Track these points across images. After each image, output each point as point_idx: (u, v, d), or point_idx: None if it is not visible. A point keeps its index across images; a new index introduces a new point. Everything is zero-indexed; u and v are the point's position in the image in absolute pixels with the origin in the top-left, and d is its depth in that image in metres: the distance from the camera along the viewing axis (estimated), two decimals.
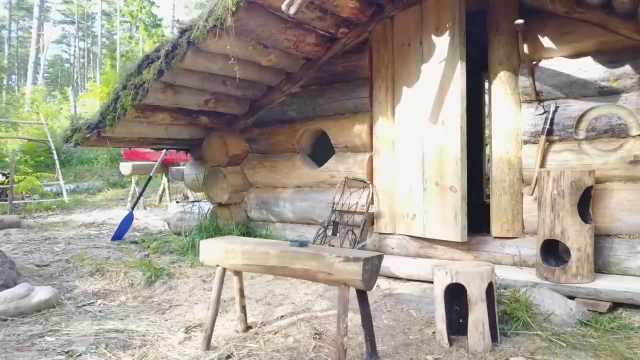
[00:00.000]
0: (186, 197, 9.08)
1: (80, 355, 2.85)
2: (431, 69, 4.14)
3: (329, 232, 4.67)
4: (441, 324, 3.00)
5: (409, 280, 4.12)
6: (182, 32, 3.93)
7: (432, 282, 3.15)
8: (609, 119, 3.69)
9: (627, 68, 3.61)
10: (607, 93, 3.69)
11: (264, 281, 4.16)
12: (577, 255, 3.44)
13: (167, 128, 5.00)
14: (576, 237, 3.43)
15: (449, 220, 4.01)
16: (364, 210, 4.55)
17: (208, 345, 2.93)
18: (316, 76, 4.95)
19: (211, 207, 5.44)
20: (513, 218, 4.00)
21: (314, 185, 5.03)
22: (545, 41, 3.87)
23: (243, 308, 3.22)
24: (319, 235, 4.60)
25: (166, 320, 3.47)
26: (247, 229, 5.18)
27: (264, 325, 3.33)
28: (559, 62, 3.84)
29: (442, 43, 4.05)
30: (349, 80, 4.79)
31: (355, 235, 4.44)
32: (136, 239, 6.03)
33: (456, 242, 4.03)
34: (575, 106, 3.79)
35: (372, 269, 2.50)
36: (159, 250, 5.28)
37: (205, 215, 5.36)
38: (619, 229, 3.66)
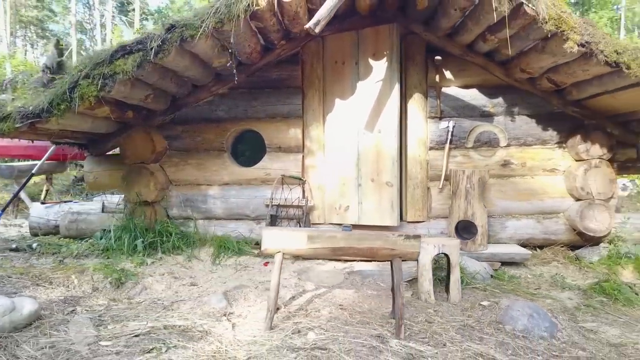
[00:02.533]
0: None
1: (167, 350, 2.89)
2: (367, 87, 5.12)
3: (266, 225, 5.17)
4: (429, 286, 4.04)
5: (352, 261, 5.01)
6: (170, 28, 3.97)
7: (369, 261, 4.16)
8: (488, 134, 5.30)
9: (500, 99, 5.27)
10: (487, 115, 5.29)
11: (257, 272, 4.50)
12: (481, 230, 4.91)
13: (94, 121, 4.70)
14: (480, 218, 4.90)
15: (385, 210, 5.06)
16: (300, 205, 5.21)
17: (271, 325, 3.31)
18: (248, 80, 5.35)
19: (129, 206, 5.22)
20: (422, 206, 5.29)
21: (244, 182, 5.43)
22: (448, 74, 5.27)
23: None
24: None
25: (187, 314, 3.59)
26: (169, 227, 5.20)
27: (286, 305, 3.79)
28: (456, 90, 5.29)
29: (379, 66, 5.06)
30: (282, 87, 5.37)
31: (300, 226, 5.08)
32: (32, 245, 5.27)
33: (386, 225, 5.08)
34: (466, 123, 5.29)
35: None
36: (74, 254, 4.86)
37: (128, 215, 5.14)
38: (494, 211, 5.29)
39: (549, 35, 3.99)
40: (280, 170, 5.37)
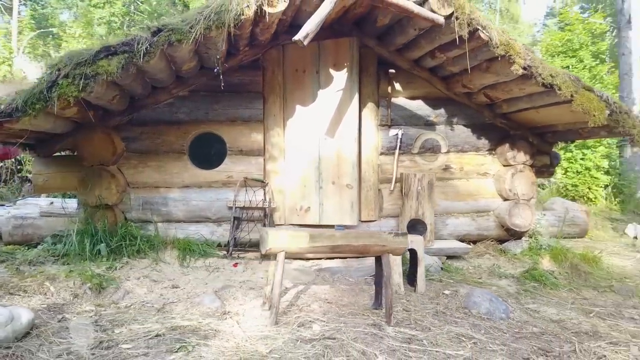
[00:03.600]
0: None
1: (193, 349, 3.01)
2: (328, 95, 5.46)
3: (230, 227, 5.31)
4: (399, 278, 4.50)
5: (315, 259, 5.32)
6: (157, 31, 4.00)
7: (332, 259, 4.63)
8: (431, 141, 5.91)
9: (442, 110, 5.91)
10: (430, 124, 5.90)
11: (231, 272, 4.59)
12: (429, 228, 5.48)
13: (55, 121, 4.52)
14: (429, 217, 5.47)
15: (345, 210, 5.44)
16: (263, 207, 5.41)
17: (277, 320, 3.53)
18: (209, 83, 5.43)
19: (88, 209, 5.03)
20: (375, 207, 5.76)
21: (205, 184, 5.49)
22: (397, 85, 5.80)
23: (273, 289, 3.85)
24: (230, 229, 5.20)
25: (187, 315, 3.68)
26: (133, 230, 5.12)
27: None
28: (404, 101, 5.84)
29: (339, 76, 5.44)
30: (243, 92, 5.54)
31: (267, 227, 5.28)
32: None
33: (346, 225, 5.46)
34: (413, 131, 5.86)
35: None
36: (28, 261, 4.61)
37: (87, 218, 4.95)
38: (437, 210, 5.90)
39: (499, 58, 4.63)
40: (242, 172, 5.52)
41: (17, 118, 3.87)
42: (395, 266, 4.52)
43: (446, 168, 5.97)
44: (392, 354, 3.19)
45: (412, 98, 5.89)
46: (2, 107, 3.81)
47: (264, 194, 5.50)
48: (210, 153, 5.64)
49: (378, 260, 4.08)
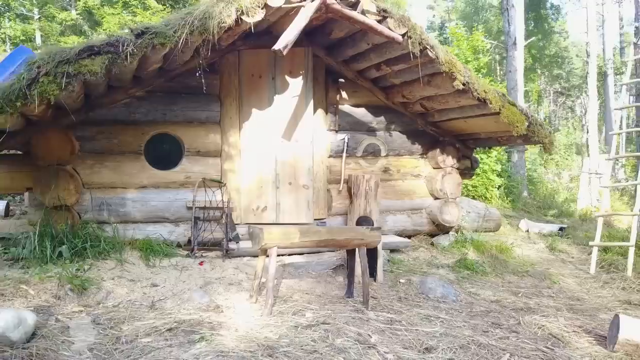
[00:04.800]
0: None
1: (210, 338, 3.20)
2: (284, 100, 5.81)
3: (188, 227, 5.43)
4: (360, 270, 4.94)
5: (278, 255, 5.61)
6: (140, 34, 4.07)
7: (290, 255, 5.17)
8: (373, 146, 6.49)
9: (382, 118, 6.51)
10: (372, 130, 6.48)
11: (200, 270, 4.71)
12: (376, 224, 6.02)
13: (8, 118, 4.33)
14: (376, 214, 6.03)
15: (302, 209, 5.81)
16: (221, 206, 5.59)
17: (271, 311, 3.82)
18: (166, 85, 5.50)
19: (43, 211, 4.83)
20: (324, 205, 6.19)
21: (163, 185, 5.54)
22: (344, 94, 6.30)
23: (260, 282, 4.12)
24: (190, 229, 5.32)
25: (183, 310, 3.83)
26: (90, 231, 5.02)
27: (260, 295, 4.28)
28: (350, 108, 6.36)
29: (295, 83, 5.80)
30: (200, 94, 5.65)
31: (226, 226, 5.46)
32: None
33: (302, 223, 5.83)
34: (358, 136, 6.40)
35: None
36: None
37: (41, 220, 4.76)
38: (379, 209, 6.48)
39: (443, 74, 5.29)
40: (200, 173, 5.64)
41: None
42: (360, 259, 4.97)
43: (386, 170, 6.58)
44: (382, 333, 3.65)
45: (357, 106, 6.41)
46: None
47: (222, 194, 5.67)
48: (163, 154, 5.68)
49: (350, 253, 4.52)
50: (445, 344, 3.52)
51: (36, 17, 24.48)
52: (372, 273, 5.11)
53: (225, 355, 2.96)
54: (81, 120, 5.24)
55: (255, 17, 4.52)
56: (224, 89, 5.79)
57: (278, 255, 5.52)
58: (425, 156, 6.82)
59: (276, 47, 4.40)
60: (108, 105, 5.32)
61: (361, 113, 6.45)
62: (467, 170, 7.10)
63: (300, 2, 4.70)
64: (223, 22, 4.33)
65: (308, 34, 5.97)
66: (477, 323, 4.14)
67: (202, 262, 5.14)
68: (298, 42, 5.91)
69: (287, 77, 5.85)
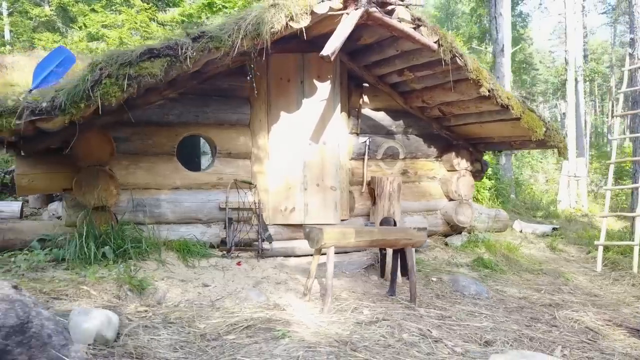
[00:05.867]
0: None
1: (290, 334, 3.32)
2: (312, 104, 5.94)
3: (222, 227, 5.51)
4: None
5: (304, 256, 5.74)
6: (197, 37, 4.15)
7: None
8: (392, 149, 6.69)
9: (400, 122, 6.73)
10: (391, 133, 6.69)
11: (241, 270, 4.80)
12: (398, 224, 6.23)
13: None
14: (398, 215, 6.23)
15: (329, 210, 5.96)
16: (252, 207, 5.68)
17: (330, 308, 3.97)
18: (198, 86, 5.56)
19: (84, 212, 4.81)
20: (347, 206, 6.35)
21: (195, 186, 5.58)
22: (365, 98, 6.48)
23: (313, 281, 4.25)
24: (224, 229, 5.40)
25: (246, 309, 3.95)
26: (130, 232, 5.04)
27: (311, 292, 4.40)
28: (370, 112, 6.54)
29: (323, 87, 5.95)
30: (231, 97, 5.75)
31: (259, 227, 5.56)
32: None
33: (330, 223, 5.97)
34: (377, 139, 6.59)
35: None
36: (31, 267, 4.34)
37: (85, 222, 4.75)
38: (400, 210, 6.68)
39: (471, 81, 5.54)
40: (232, 175, 5.71)
41: (53, 116, 3.73)
42: (390, 258, 5.16)
43: (404, 172, 6.80)
44: (439, 329, 3.84)
45: (376, 110, 6.61)
46: (45, 104, 3.65)
47: (253, 195, 5.76)
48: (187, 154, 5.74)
49: (395, 253, 4.71)
50: (500, 338, 3.74)
51: (5, 12, 23.81)
52: (405, 272, 5.30)
53: (314, 349, 3.10)
54: (116, 121, 5.25)
55: (301, 23, 4.66)
56: (254, 92, 5.87)
57: (308, 256, 5.67)
58: (440, 159, 7.07)
59: (324, 53, 4.55)
60: (142, 106, 5.33)
61: (380, 117, 6.64)
62: (477, 173, 7.39)
63: (342, 10, 4.87)
64: (273, 28, 4.46)
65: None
66: (517, 318, 4.38)
67: (239, 262, 5.23)
68: (320, 46, 6.09)
69: (315, 81, 5.98)
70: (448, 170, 7.06)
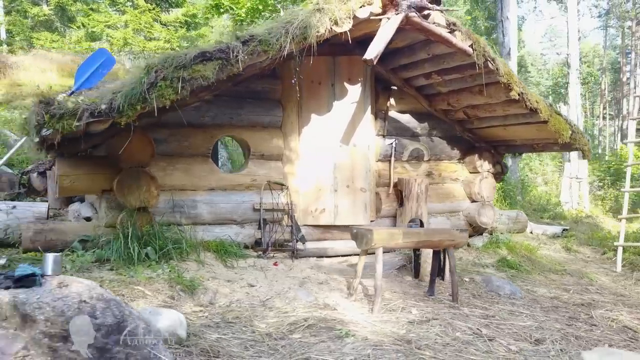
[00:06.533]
0: None
1: (352, 334, 3.39)
2: (342, 106, 6.02)
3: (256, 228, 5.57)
4: (429, 268, 5.21)
5: (335, 256, 5.81)
6: (247, 41, 4.21)
7: (350, 256, 5.49)
8: (417, 151, 6.78)
9: (425, 124, 6.82)
10: (416, 136, 6.78)
11: (279, 270, 4.85)
12: (426, 226, 6.32)
13: None
14: (425, 216, 6.32)
15: (359, 211, 6.04)
16: (286, 208, 5.74)
17: (379, 308, 4.03)
18: (232, 89, 5.60)
19: (125, 213, 4.84)
20: (374, 208, 6.43)
21: (229, 187, 5.62)
22: (392, 101, 6.55)
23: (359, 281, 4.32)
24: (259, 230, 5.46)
25: (296, 310, 3.98)
26: (171, 233, 5.07)
27: (355, 292, 4.47)
28: (396, 115, 6.63)
29: (354, 89, 6.02)
30: (264, 99, 5.81)
31: (292, 228, 5.62)
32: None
33: (359, 225, 6.05)
34: (403, 141, 6.68)
35: None
36: (77, 267, 4.36)
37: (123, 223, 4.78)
38: (427, 211, 6.77)
39: (502, 85, 5.64)
40: (265, 176, 5.77)
41: (110, 118, 3.77)
42: (428, 259, 5.24)
43: (429, 174, 6.89)
44: (488, 327, 3.93)
45: (402, 112, 6.69)
46: (103, 106, 3.68)
47: (285, 196, 5.82)
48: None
49: (435, 254, 4.79)
50: (548, 336, 3.84)
51: (1, 11, 23.64)
52: (440, 272, 5.38)
53: (380, 348, 3.17)
54: (154, 123, 5.28)
55: (343, 27, 4.73)
56: (285, 94, 5.94)
57: (339, 257, 5.74)
58: (462, 161, 7.17)
59: (367, 56, 4.62)
60: (180, 108, 5.37)
61: (406, 119, 6.73)
62: (498, 175, 7.50)
63: (382, 15, 4.94)
64: (318, 32, 4.52)
65: (361, 43, 6.21)
66: (556, 317, 4.48)
67: (275, 262, 5.28)
68: (348, 50, 6.17)
69: (345, 84, 6.06)
70: (470, 172, 7.16)
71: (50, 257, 2.58)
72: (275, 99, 5.91)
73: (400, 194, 6.48)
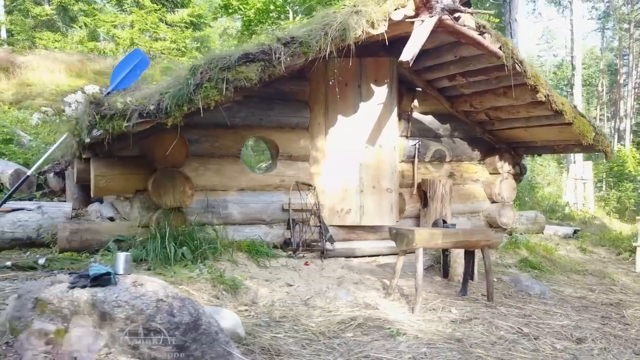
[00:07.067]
0: None
1: (402, 332, 3.43)
2: (369, 107, 6.06)
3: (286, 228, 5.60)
4: (460, 269, 5.26)
5: (362, 257, 5.85)
6: (287, 43, 4.25)
7: (377, 256, 5.51)
8: (440, 152, 6.84)
9: (447, 125, 6.88)
10: (438, 137, 6.83)
11: (311, 270, 4.89)
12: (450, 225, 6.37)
13: None
14: (449, 217, 6.37)
15: (385, 212, 6.08)
16: (313, 208, 5.78)
17: (419, 308, 4.07)
18: (261, 90, 5.62)
19: (158, 213, 4.86)
20: (397, 208, 6.47)
21: (259, 188, 5.65)
22: (415, 102, 6.59)
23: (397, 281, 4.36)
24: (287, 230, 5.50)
25: (339, 310, 4.02)
26: (192, 233, 5.09)
27: (392, 292, 4.51)
28: (419, 116, 6.68)
29: (380, 91, 6.07)
30: (292, 100, 5.85)
31: (321, 228, 5.66)
32: (37, 261, 4.35)
33: (385, 225, 6.08)
34: (426, 142, 6.73)
35: None
36: None
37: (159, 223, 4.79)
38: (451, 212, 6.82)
39: (529, 87, 5.69)
40: (293, 177, 5.80)
41: (157, 119, 3.79)
42: (458, 259, 5.29)
43: (450, 175, 6.94)
44: (528, 326, 3.99)
45: (425, 113, 6.75)
46: (152, 107, 3.70)
47: (313, 196, 5.85)
48: None
49: (467, 254, 4.84)
50: (588, 336, 3.89)
51: (2, 10, 23.54)
52: (470, 272, 5.42)
53: (434, 346, 3.21)
54: (186, 123, 5.29)
55: (379, 29, 4.77)
56: (313, 96, 5.98)
57: (367, 257, 5.78)
58: (482, 162, 7.23)
59: (403, 58, 4.68)
60: (214, 108, 5.39)
61: (429, 120, 6.78)
62: (517, 176, 7.57)
63: (415, 17, 4.99)
64: (356, 33, 4.57)
65: (386, 45, 6.25)
66: (589, 317, 4.55)
67: (306, 262, 5.31)
68: (373, 52, 6.22)
69: (372, 85, 6.10)
70: (491, 173, 7.22)
71: (122, 256, 2.61)
72: (303, 100, 5.95)
73: (424, 195, 6.53)
